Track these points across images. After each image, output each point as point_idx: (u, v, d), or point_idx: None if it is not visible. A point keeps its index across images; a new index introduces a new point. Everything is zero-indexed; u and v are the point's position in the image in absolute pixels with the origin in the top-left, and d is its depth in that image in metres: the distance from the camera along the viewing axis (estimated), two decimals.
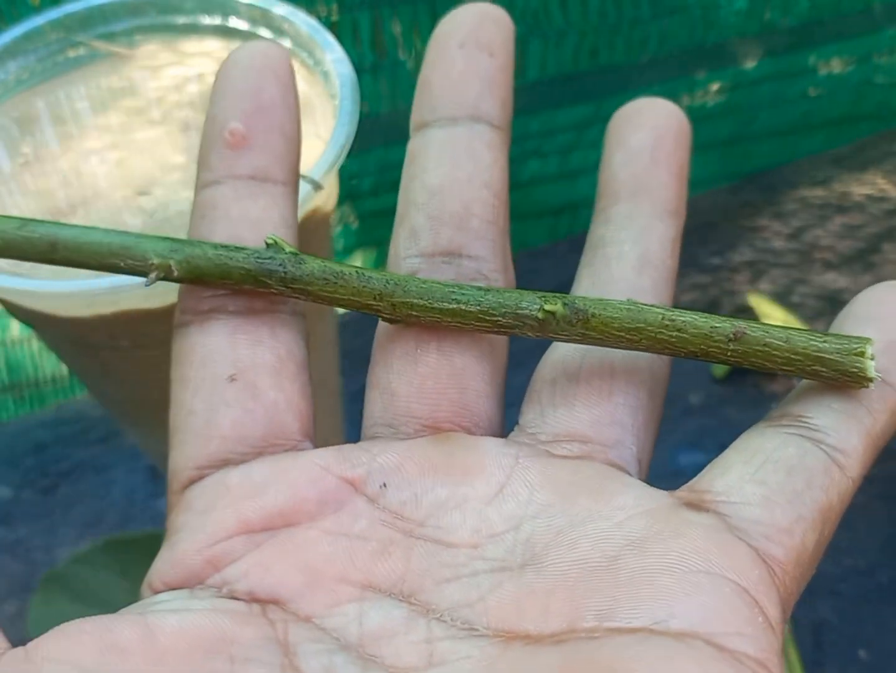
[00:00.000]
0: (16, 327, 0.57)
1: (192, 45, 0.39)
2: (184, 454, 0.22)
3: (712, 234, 0.70)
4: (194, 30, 0.39)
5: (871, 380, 0.21)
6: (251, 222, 0.23)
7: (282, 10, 0.37)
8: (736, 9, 0.66)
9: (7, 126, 0.37)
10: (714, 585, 0.18)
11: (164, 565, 0.21)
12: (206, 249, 0.22)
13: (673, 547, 0.19)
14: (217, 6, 0.38)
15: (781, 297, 0.66)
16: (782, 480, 0.20)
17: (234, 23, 0.39)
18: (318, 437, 0.23)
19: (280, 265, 0.22)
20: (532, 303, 0.22)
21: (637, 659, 0.17)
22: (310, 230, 0.33)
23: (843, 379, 0.21)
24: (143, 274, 0.22)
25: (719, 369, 0.63)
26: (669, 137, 0.25)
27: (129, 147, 0.36)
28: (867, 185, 0.75)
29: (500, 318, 0.22)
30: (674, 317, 0.21)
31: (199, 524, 0.21)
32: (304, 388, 0.23)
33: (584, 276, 0.24)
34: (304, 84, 0.37)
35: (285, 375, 0.23)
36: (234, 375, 0.22)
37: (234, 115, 0.24)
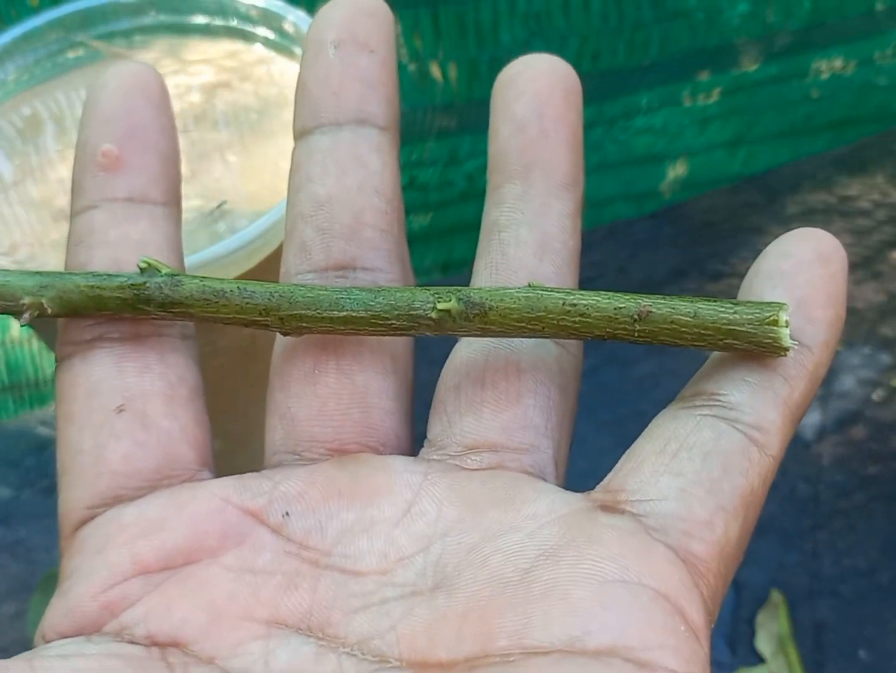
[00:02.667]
0: (16, 327, 0.57)
1: (193, 50, 0.39)
2: (73, 495, 0.21)
3: (713, 235, 0.70)
4: (195, 31, 0.39)
5: (786, 349, 0.20)
6: (132, 245, 0.22)
7: (287, 13, 0.37)
8: (738, 12, 0.66)
9: (6, 129, 0.37)
10: (631, 595, 0.17)
11: (56, 614, 0.20)
12: (77, 282, 0.21)
13: (587, 555, 0.18)
14: (218, 7, 0.38)
15: None
16: (698, 468, 0.19)
17: (237, 24, 0.39)
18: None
19: (157, 289, 0.21)
20: (425, 302, 0.21)
21: None
22: None
23: (758, 350, 0.20)
24: (18, 314, 0.21)
25: None
26: (557, 101, 0.23)
27: None
28: (869, 188, 0.75)
29: (393, 321, 0.21)
30: (575, 301, 0.20)
31: (92, 567, 0.20)
32: (198, 414, 0.22)
33: (481, 267, 0.23)
34: None
35: (177, 401, 0.22)
36: (122, 406, 0.21)
37: (105, 137, 0.23)
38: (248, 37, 0.38)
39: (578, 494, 0.20)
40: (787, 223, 0.72)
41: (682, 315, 0.20)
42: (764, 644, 0.52)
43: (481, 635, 0.17)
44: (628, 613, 0.17)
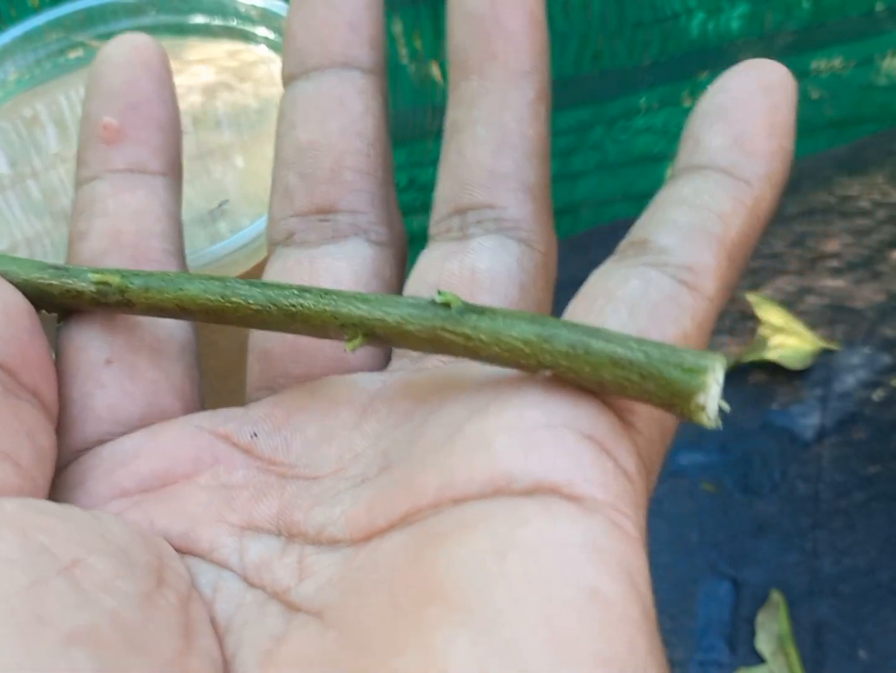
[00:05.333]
0: None
1: (194, 51, 0.39)
2: (61, 442, 0.21)
3: None
4: (195, 31, 0.39)
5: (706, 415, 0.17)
6: (130, 214, 0.23)
7: (287, 13, 0.37)
8: (738, 12, 0.66)
9: (6, 129, 0.37)
10: (555, 437, 0.16)
11: None
12: (39, 283, 0.22)
13: (512, 404, 0.17)
14: (218, 8, 0.38)
15: (787, 303, 0.66)
16: (624, 321, 0.18)
17: (237, 24, 0.39)
18: None
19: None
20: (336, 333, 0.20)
21: (480, 520, 0.16)
22: None
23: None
24: None
25: None
26: None
27: None
28: (869, 188, 0.75)
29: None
30: (478, 324, 0.18)
31: (71, 498, 0.20)
32: (188, 370, 0.23)
33: (442, 173, 0.22)
34: None
35: (165, 356, 0.22)
36: (110, 358, 0.22)
37: (107, 110, 0.23)
38: (248, 37, 0.38)
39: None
40: (787, 223, 0.72)
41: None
42: (764, 644, 0.52)
43: (410, 496, 0.17)
44: (552, 453, 0.16)
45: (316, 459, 0.20)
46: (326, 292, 0.20)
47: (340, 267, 0.23)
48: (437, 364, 0.21)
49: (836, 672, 0.51)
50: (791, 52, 0.70)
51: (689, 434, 0.59)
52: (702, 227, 0.19)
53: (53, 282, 0.21)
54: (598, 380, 0.17)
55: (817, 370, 0.63)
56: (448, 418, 0.18)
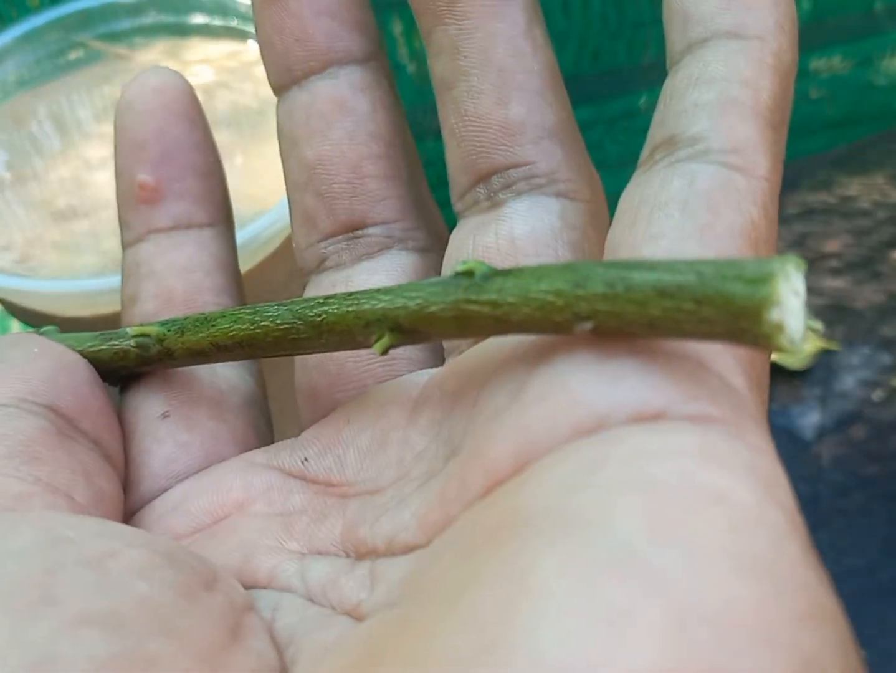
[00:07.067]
0: (16, 327, 0.57)
1: (194, 51, 0.39)
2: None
3: None
4: (195, 31, 0.39)
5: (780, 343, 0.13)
6: (179, 271, 0.22)
7: None
8: None
9: (6, 128, 0.37)
10: (642, 361, 0.14)
11: None
12: (84, 346, 0.21)
13: (578, 345, 0.15)
14: (218, 7, 0.38)
15: None
16: (679, 222, 0.15)
17: (237, 24, 0.39)
18: None
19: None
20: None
21: (567, 454, 0.13)
22: None
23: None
24: None
25: None
26: None
27: None
28: (869, 188, 0.75)
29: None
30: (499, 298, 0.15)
31: None
32: (254, 421, 0.21)
33: (446, 140, 0.20)
34: None
35: (227, 407, 0.21)
36: (166, 412, 0.21)
37: (139, 165, 0.22)
38: (248, 37, 0.38)
39: None
40: (788, 223, 0.72)
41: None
42: None
43: (485, 471, 0.15)
44: (646, 378, 0.14)
45: (375, 470, 0.18)
46: (350, 294, 0.18)
47: (379, 281, 0.21)
48: None
49: None
50: None
51: None
52: (730, 101, 0.16)
53: (103, 347, 0.21)
54: (648, 320, 0.14)
55: (817, 370, 0.63)
56: (506, 380, 0.16)
